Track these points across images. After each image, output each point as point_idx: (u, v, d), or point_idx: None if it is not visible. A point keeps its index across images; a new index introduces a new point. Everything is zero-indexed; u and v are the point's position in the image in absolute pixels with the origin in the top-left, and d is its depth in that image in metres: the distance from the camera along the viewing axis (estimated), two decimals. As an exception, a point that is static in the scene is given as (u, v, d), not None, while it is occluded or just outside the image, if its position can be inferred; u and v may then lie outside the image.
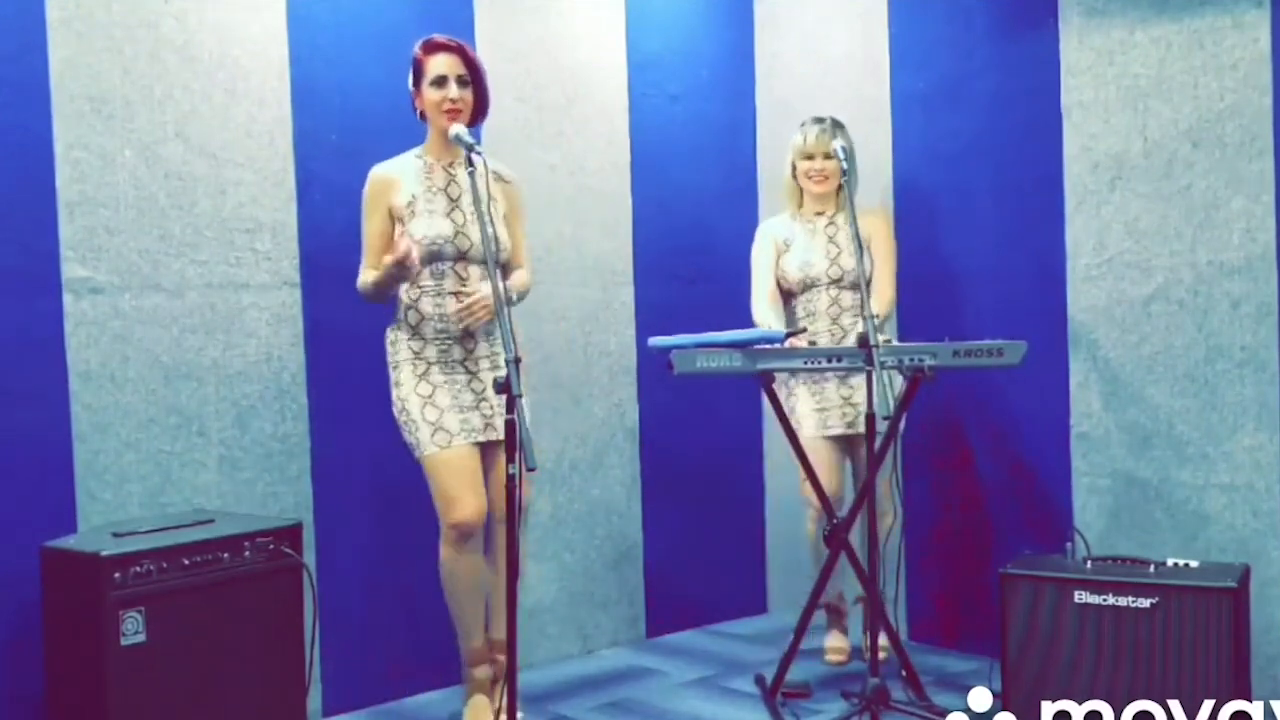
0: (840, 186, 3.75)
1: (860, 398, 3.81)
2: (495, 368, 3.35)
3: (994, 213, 4.01)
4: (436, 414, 3.26)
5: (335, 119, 3.61)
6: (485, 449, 3.34)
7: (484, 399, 3.33)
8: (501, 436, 3.26)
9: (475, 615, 3.37)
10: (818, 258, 3.89)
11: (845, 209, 3.73)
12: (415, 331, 3.31)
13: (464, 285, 3.30)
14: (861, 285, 3.47)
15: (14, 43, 3.09)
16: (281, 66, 3.54)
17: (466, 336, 3.31)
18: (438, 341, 3.31)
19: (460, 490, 3.25)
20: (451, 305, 3.29)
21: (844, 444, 3.89)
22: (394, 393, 3.32)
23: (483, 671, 3.41)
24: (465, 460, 3.27)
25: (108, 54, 3.23)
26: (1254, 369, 3.43)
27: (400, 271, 3.18)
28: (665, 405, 4.39)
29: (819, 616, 4.02)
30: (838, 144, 3.69)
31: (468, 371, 3.33)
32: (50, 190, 3.14)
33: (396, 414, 3.31)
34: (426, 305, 3.30)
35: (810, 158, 3.89)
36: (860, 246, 3.55)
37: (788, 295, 3.94)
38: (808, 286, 3.89)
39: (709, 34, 4.61)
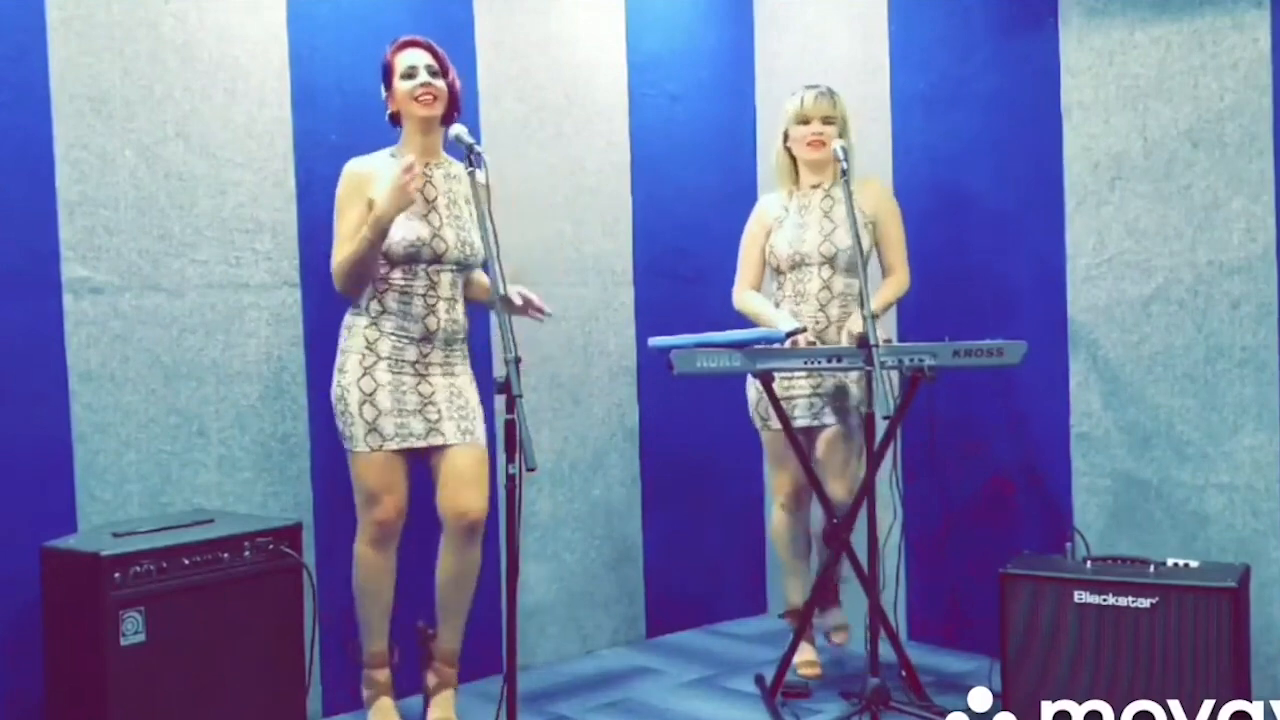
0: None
1: (828, 388, 3.76)
2: (448, 374, 3.34)
3: (994, 213, 4.01)
4: (374, 414, 3.26)
5: (335, 119, 3.61)
6: (431, 452, 3.33)
7: (430, 403, 3.30)
8: (451, 440, 3.29)
9: (382, 616, 3.40)
10: (810, 234, 3.76)
11: (843, 192, 3.59)
12: (374, 322, 3.30)
13: (435, 289, 3.30)
14: (860, 272, 3.44)
15: (14, 43, 3.09)
16: (281, 66, 3.54)
17: (424, 340, 3.30)
18: (393, 337, 3.29)
19: (382, 490, 3.29)
20: (418, 307, 3.28)
21: (806, 436, 3.81)
22: (336, 378, 3.31)
23: (384, 675, 3.42)
24: (392, 464, 3.28)
25: (108, 54, 3.23)
26: (1254, 369, 3.44)
27: (400, 199, 3.13)
28: (665, 405, 4.39)
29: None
30: (837, 144, 3.63)
31: (417, 374, 3.31)
32: (50, 190, 3.14)
33: (334, 401, 3.31)
34: (391, 300, 3.29)
35: (806, 122, 3.75)
36: (856, 228, 3.49)
37: (776, 273, 3.84)
38: (796, 265, 3.77)
39: (709, 34, 4.61)
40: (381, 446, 3.27)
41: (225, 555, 3.00)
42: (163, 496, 3.33)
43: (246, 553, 3.03)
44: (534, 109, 4.10)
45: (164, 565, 2.88)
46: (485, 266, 3.35)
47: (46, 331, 3.14)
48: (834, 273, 3.75)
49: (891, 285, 3.81)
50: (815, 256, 3.76)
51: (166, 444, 3.34)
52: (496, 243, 3.00)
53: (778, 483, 3.92)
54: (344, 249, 3.25)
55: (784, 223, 3.83)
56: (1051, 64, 3.79)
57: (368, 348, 3.29)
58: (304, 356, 3.57)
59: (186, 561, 2.92)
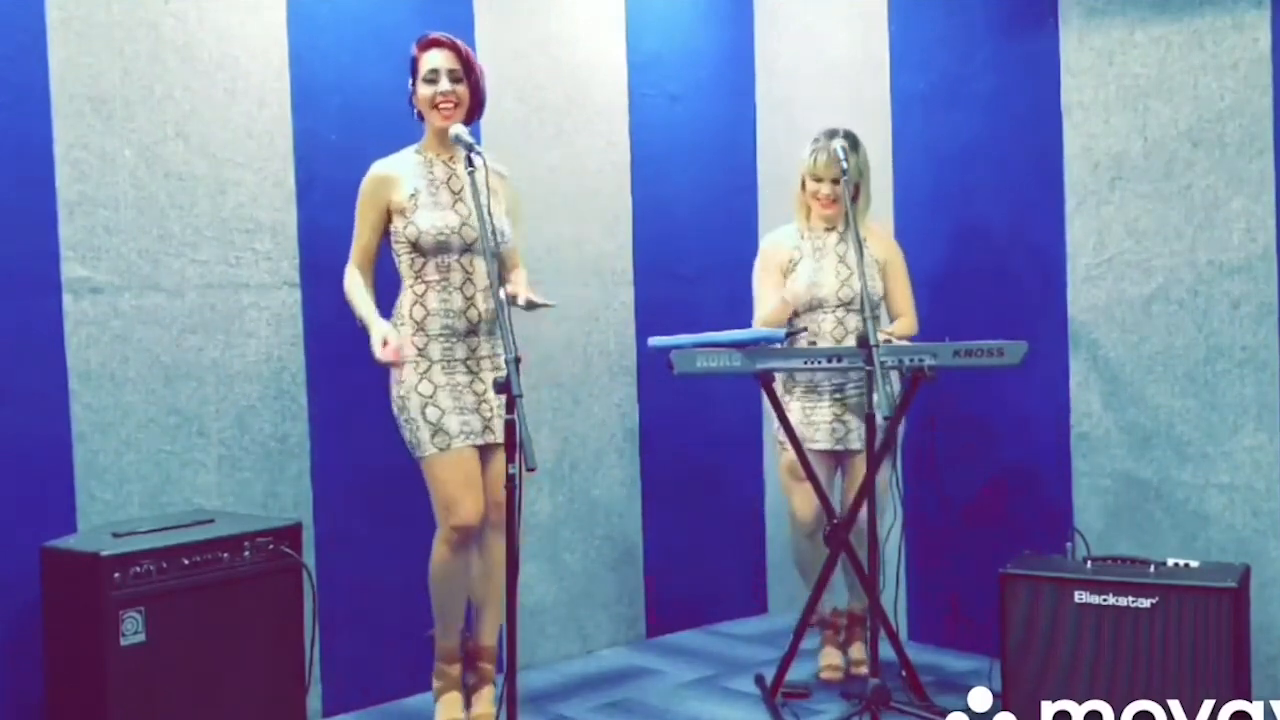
0: (856, 197, 3.66)
1: (851, 417, 3.74)
2: (496, 368, 3.33)
3: (994, 213, 4.01)
4: (438, 414, 3.25)
5: (335, 119, 3.61)
6: (482, 451, 3.33)
7: (484, 400, 3.31)
8: (500, 439, 3.26)
9: (457, 614, 3.41)
10: (827, 278, 3.74)
11: (851, 234, 3.57)
12: (420, 327, 3.29)
13: (471, 280, 3.29)
14: (864, 296, 3.42)
15: (14, 43, 3.09)
16: (281, 66, 3.54)
17: (470, 334, 3.30)
18: (441, 339, 3.29)
19: (460, 493, 3.25)
20: (458, 301, 3.28)
21: (832, 460, 3.80)
22: (394, 390, 3.29)
23: (455, 669, 3.43)
24: (465, 463, 3.26)
25: (108, 54, 3.23)
26: (1254, 369, 3.44)
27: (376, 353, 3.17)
28: (665, 405, 4.39)
29: (824, 634, 3.99)
30: (837, 143, 3.65)
31: (469, 371, 3.31)
32: (50, 190, 3.14)
33: (396, 411, 3.29)
34: (432, 301, 3.28)
35: (819, 180, 3.72)
36: (863, 271, 3.48)
37: (794, 315, 3.79)
38: (813, 308, 3.75)
39: (709, 34, 4.61)
40: (450, 445, 3.24)
41: (225, 555, 3.00)
42: (163, 496, 3.33)
43: (246, 553, 3.03)
44: (534, 109, 4.10)
45: (164, 565, 2.88)
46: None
47: (46, 331, 3.14)
48: (848, 314, 3.74)
49: (903, 326, 3.79)
50: (832, 300, 3.74)
51: (166, 444, 3.34)
52: (500, 234, 2.98)
53: (798, 504, 3.80)
54: (354, 268, 3.30)
55: (799, 265, 3.79)
56: (1051, 64, 3.79)
57: (420, 354, 3.27)
58: (304, 356, 3.57)
59: (186, 561, 2.92)
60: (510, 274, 3.44)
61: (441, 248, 3.27)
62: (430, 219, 3.26)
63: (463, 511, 3.25)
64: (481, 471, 3.32)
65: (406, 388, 3.27)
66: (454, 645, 3.42)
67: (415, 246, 3.27)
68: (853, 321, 3.73)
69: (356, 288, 3.29)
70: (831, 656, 3.92)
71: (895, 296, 3.82)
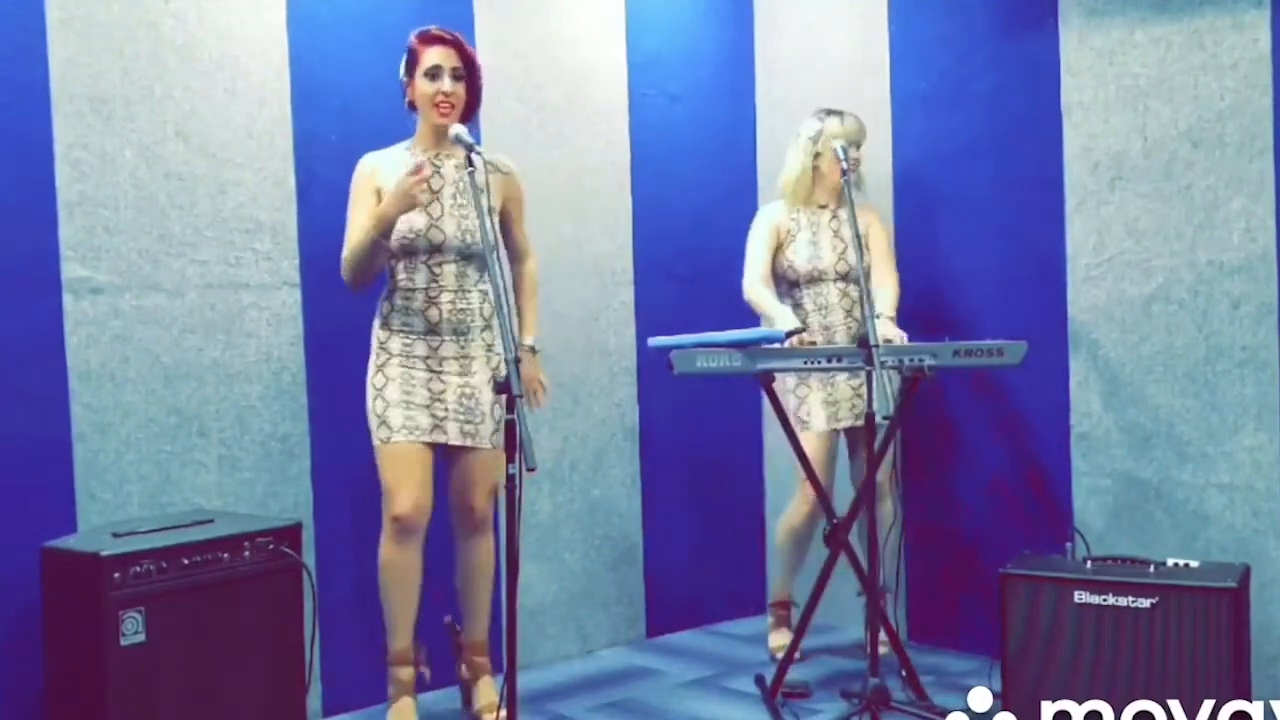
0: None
1: (841, 398, 3.89)
2: (464, 371, 3.34)
3: (994, 212, 4.01)
4: (383, 407, 3.29)
5: (335, 119, 3.61)
6: (441, 451, 3.34)
7: (439, 400, 3.31)
8: (453, 441, 3.31)
9: (405, 613, 3.36)
10: (826, 252, 3.91)
11: (846, 205, 3.63)
12: (384, 321, 3.34)
13: (437, 281, 3.30)
14: (862, 282, 3.46)
15: (14, 43, 3.09)
16: (281, 66, 3.54)
17: (430, 333, 3.31)
18: (401, 334, 3.31)
19: (397, 484, 3.27)
20: (419, 301, 3.29)
21: (846, 436, 3.96)
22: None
23: (406, 673, 3.38)
24: (407, 455, 3.27)
25: (108, 54, 3.23)
26: (1254, 369, 3.44)
27: (404, 202, 3.14)
28: (665, 405, 4.39)
29: (776, 615, 4.11)
30: (837, 144, 3.68)
31: (429, 370, 3.32)
32: (50, 190, 3.14)
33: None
34: (397, 298, 3.32)
35: (856, 144, 3.83)
36: (860, 245, 3.54)
37: (792, 285, 3.93)
38: (815, 280, 3.90)
39: (709, 34, 4.61)
40: (390, 439, 3.28)
41: (225, 555, 3.00)
42: (163, 496, 3.33)
43: (246, 553, 3.03)
44: (534, 109, 4.10)
45: (164, 565, 2.88)
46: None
47: (46, 331, 3.14)
48: (848, 284, 3.92)
49: (886, 300, 3.84)
50: (831, 273, 3.91)
51: (166, 444, 3.34)
52: (486, 238, 2.97)
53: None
54: (350, 242, 3.28)
55: (796, 237, 3.94)
56: (1051, 64, 3.79)
57: (380, 346, 3.34)
58: (304, 356, 3.57)
59: (186, 561, 2.92)
60: (519, 268, 3.56)
61: (406, 250, 3.28)
62: (400, 222, 3.24)
63: (398, 503, 3.26)
64: (435, 470, 3.33)
65: (367, 378, 3.33)
66: (405, 647, 3.38)
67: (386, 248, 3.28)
68: (855, 292, 3.89)
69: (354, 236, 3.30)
70: (781, 637, 4.02)
71: (876, 265, 3.91)
